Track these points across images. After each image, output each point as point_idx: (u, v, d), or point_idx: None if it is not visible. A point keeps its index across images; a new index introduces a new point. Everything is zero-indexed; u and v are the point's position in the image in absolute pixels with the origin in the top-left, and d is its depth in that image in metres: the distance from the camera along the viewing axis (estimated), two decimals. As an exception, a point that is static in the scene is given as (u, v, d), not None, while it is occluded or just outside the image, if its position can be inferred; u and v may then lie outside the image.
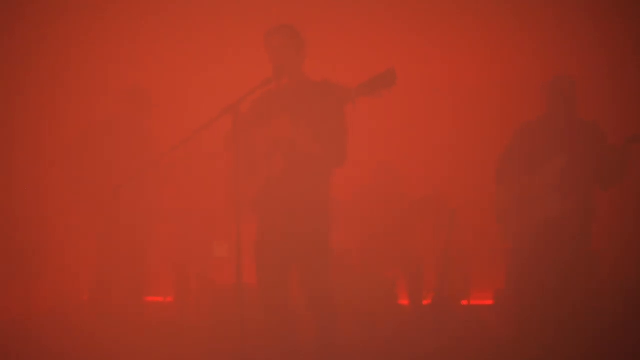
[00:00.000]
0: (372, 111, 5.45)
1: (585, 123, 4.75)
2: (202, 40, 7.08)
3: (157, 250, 6.16)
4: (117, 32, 6.94)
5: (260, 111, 4.24)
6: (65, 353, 5.06)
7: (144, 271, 5.84)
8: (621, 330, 5.08)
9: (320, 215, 4.14)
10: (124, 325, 5.52)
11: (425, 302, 6.03)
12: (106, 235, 5.66)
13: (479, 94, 7.28)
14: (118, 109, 5.83)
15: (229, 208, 4.25)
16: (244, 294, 3.73)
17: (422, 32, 7.00)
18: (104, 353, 5.02)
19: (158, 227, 6.01)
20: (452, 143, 7.19)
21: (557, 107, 4.73)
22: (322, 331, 4.09)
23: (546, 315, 4.69)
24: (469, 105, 7.27)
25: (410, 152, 6.96)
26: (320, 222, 4.13)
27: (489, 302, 6.13)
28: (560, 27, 6.82)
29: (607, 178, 4.64)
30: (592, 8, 6.57)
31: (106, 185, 5.51)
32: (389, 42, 7.06)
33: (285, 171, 4.07)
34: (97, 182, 5.63)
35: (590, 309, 4.93)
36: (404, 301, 6.19)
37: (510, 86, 7.11)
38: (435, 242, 6.04)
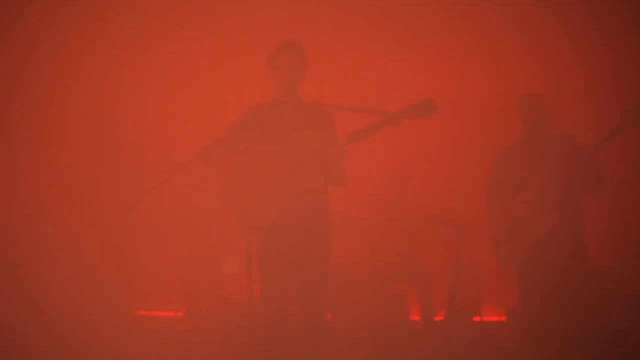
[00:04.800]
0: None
1: (560, 137, 4.81)
2: (202, 44, 7.11)
3: (168, 264, 6.17)
4: (117, 33, 6.97)
5: (262, 127, 4.23)
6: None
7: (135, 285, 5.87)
8: (632, 342, 5.04)
9: (328, 234, 4.19)
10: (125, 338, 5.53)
11: (437, 318, 6.01)
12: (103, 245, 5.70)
13: (489, 109, 7.27)
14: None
15: (234, 221, 4.25)
16: (254, 310, 3.73)
17: (428, 43, 7.03)
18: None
19: (168, 241, 6.02)
20: (462, 157, 7.18)
21: (528, 126, 4.82)
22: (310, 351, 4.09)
23: (555, 331, 4.68)
24: (478, 119, 7.27)
25: (421, 167, 6.95)
26: (326, 242, 4.18)
27: (502, 318, 6.09)
28: (562, 33, 6.83)
29: (592, 186, 4.68)
30: (593, 11, 6.58)
31: (106, 190, 5.55)
32: (394, 54, 7.08)
33: (319, 186, 4.10)
34: (98, 187, 5.66)
35: (598, 319, 4.90)
36: (416, 317, 6.16)
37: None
38: (447, 257, 6.01)
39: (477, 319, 6.15)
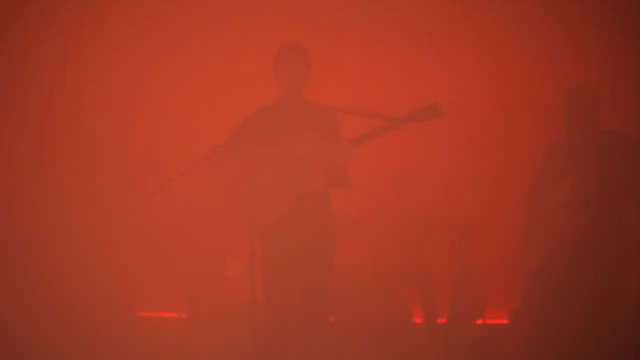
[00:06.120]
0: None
1: (609, 133, 4.63)
2: (206, 45, 7.10)
3: (171, 265, 6.17)
4: (116, 32, 6.96)
5: (266, 129, 4.23)
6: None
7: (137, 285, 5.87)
8: (633, 344, 5.02)
9: (331, 235, 4.19)
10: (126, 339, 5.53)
11: (439, 321, 6.01)
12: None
13: (493, 112, 7.28)
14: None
15: (237, 222, 4.26)
16: (257, 312, 3.73)
17: (433, 46, 7.03)
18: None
19: (172, 243, 6.01)
20: (467, 160, 7.18)
21: (573, 121, 4.66)
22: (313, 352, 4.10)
23: (558, 334, 4.67)
24: (483, 122, 7.27)
25: (425, 169, 6.96)
26: (330, 243, 4.18)
27: (504, 321, 6.10)
28: (564, 34, 6.84)
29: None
30: (593, 11, 6.60)
31: (109, 192, 5.55)
32: (399, 57, 7.09)
33: (323, 188, 4.10)
34: (101, 189, 5.66)
35: (610, 327, 4.88)
36: (418, 319, 6.16)
37: (526, 106, 7.11)
38: (450, 260, 6.02)
39: (479, 321, 6.17)
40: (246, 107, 4.37)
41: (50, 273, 6.21)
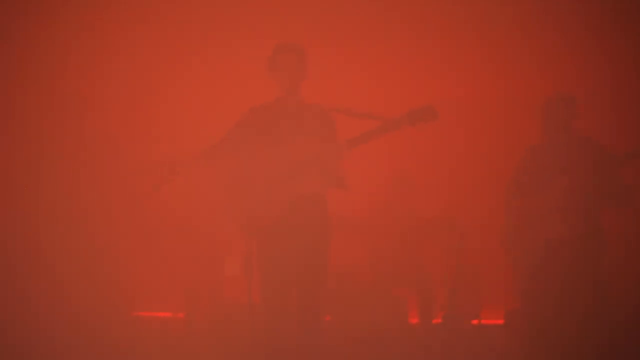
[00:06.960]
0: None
1: (587, 141, 4.75)
2: (204, 44, 7.12)
3: (168, 265, 6.18)
4: (116, 32, 6.98)
5: (262, 129, 4.24)
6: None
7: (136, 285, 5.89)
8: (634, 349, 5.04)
9: (327, 236, 4.20)
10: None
11: (435, 321, 6.02)
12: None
13: (491, 114, 7.28)
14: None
15: (233, 222, 4.27)
16: (254, 311, 3.74)
17: (434, 48, 7.04)
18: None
19: (170, 243, 6.03)
20: (464, 162, 7.19)
21: (552, 128, 4.77)
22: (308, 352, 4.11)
23: (555, 336, 4.68)
24: (480, 124, 7.27)
25: (422, 171, 6.97)
26: (325, 244, 4.19)
27: (500, 321, 6.11)
28: (564, 37, 6.85)
29: (615, 197, 4.63)
30: (593, 12, 6.60)
31: (106, 191, 5.56)
32: (399, 59, 7.09)
33: (321, 190, 4.11)
34: (98, 188, 5.68)
35: (600, 328, 4.89)
36: (414, 320, 6.17)
37: (524, 107, 7.10)
38: (446, 260, 6.03)
39: (475, 322, 6.17)
40: (246, 108, 4.38)
41: (48, 273, 6.22)
